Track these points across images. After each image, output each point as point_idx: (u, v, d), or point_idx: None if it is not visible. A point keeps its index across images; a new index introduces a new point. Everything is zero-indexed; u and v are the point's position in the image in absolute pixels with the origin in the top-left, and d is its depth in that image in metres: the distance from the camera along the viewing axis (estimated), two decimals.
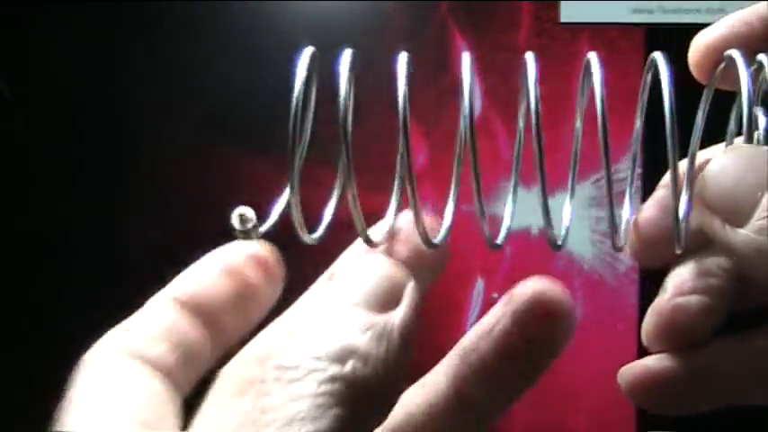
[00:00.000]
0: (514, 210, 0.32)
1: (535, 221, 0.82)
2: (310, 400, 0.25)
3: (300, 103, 0.32)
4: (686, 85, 0.86)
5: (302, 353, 0.27)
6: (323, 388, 0.26)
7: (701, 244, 0.33)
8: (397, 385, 0.29)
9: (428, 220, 0.33)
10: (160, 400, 0.30)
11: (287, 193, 0.32)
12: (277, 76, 0.82)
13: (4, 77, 0.81)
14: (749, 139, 0.28)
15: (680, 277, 0.34)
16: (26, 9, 0.81)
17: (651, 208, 0.37)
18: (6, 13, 0.81)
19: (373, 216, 0.77)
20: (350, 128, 0.33)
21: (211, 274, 0.33)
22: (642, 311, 0.86)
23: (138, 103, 0.82)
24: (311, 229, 0.32)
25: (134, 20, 0.82)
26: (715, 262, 0.33)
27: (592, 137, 0.85)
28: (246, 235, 0.31)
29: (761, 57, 0.30)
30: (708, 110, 0.31)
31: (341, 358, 0.26)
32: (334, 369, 0.26)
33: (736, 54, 0.30)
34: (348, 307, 0.28)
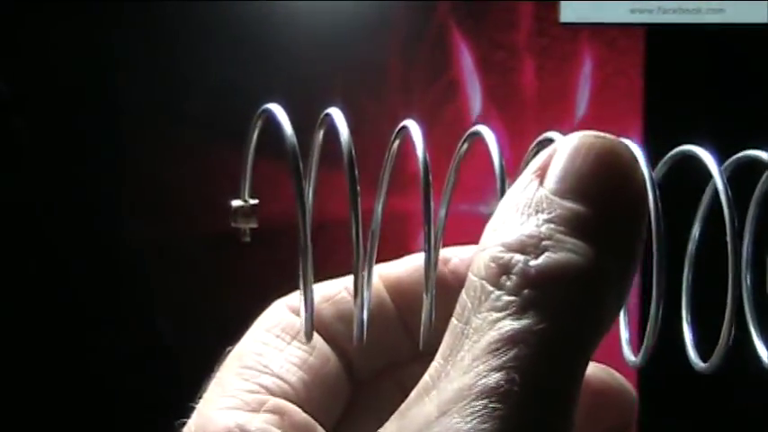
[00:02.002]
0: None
1: None
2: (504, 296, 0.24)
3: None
4: (688, 85, 0.86)
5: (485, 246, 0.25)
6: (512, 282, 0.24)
7: None
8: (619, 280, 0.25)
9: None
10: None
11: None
12: (277, 76, 0.82)
13: (4, 77, 0.81)
14: None
15: None
16: (26, 9, 0.81)
17: None
18: (6, 13, 0.81)
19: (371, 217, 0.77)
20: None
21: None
22: (642, 311, 0.86)
23: (138, 103, 0.82)
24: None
25: (134, 20, 0.82)
26: None
27: None
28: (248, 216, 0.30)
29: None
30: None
31: (531, 246, 0.24)
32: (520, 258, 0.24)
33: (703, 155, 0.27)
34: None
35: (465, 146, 0.28)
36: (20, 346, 0.82)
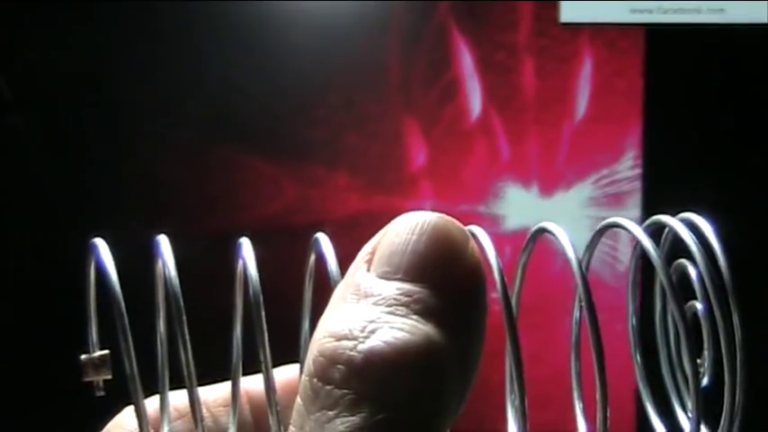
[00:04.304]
0: None
1: (535, 222, 0.81)
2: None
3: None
4: (688, 85, 0.85)
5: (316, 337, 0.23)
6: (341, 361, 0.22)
7: None
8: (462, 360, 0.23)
9: None
10: None
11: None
12: (277, 76, 0.83)
13: (5, 77, 0.81)
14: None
15: None
16: (26, 9, 0.81)
17: None
18: (6, 13, 0.81)
19: (373, 215, 0.77)
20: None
21: None
22: (642, 312, 0.86)
23: (138, 103, 0.82)
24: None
25: (134, 20, 0.82)
26: None
27: (591, 137, 0.85)
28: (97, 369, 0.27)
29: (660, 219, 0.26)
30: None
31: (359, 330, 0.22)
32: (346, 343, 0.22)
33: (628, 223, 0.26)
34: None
35: (312, 257, 0.27)
36: (17, 347, 0.82)
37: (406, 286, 0.23)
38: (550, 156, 0.82)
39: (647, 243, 0.25)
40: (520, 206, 0.81)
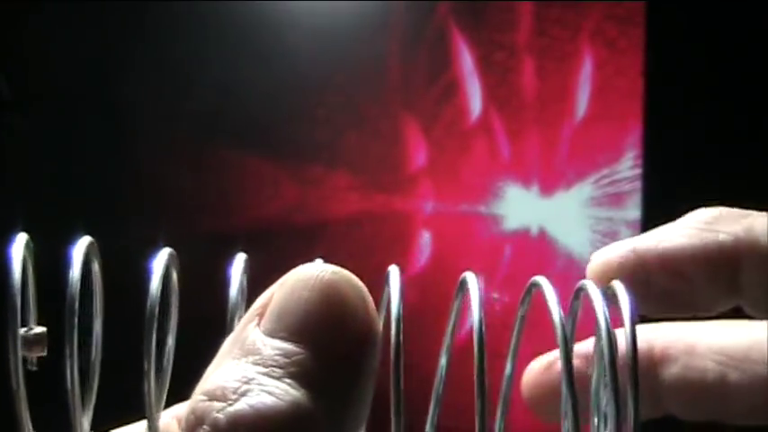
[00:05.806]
0: None
1: (535, 221, 0.82)
2: None
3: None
4: (688, 85, 0.85)
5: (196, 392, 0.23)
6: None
7: None
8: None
9: None
10: None
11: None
12: (277, 75, 0.83)
13: (5, 77, 0.81)
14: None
15: None
16: (26, 9, 0.81)
17: None
18: (6, 13, 0.81)
19: (373, 215, 0.77)
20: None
21: None
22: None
23: (137, 103, 0.82)
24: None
25: (134, 20, 0.82)
26: None
27: (591, 137, 0.85)
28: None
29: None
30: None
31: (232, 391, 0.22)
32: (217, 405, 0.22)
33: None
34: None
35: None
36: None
37: (288, 346, 0.22)
38: (550, 155, 0.82)
39: (557, 316, 0.24)
40: (520, 206, 0.81)
